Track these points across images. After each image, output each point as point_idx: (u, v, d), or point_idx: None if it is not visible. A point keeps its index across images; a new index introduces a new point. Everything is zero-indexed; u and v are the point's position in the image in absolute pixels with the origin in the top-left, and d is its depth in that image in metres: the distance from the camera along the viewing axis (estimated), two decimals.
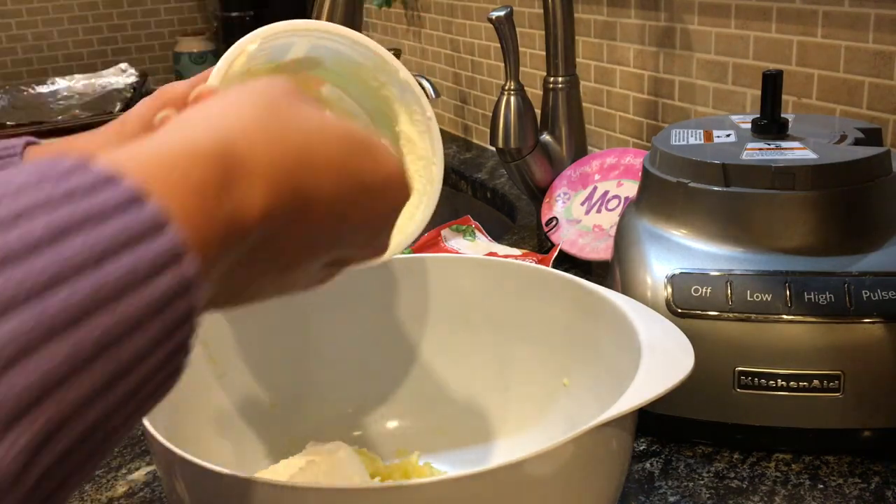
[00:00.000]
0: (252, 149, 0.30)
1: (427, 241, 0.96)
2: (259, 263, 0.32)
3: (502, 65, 0.97)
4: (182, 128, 0.30)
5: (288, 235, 0.32)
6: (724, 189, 0.61)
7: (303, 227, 0.32)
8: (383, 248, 0.39)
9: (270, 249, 0.32)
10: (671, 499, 0.56)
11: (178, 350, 0.26)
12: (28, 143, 0.55)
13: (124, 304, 0.24)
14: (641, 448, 0.62)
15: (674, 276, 0.60)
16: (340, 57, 0.51)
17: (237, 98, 0.33)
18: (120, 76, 1.95)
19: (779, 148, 0.63)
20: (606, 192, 0.94)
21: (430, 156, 0.54)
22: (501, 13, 0.93)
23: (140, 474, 0.63)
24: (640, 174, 0.69)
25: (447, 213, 1.36)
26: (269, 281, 0.34)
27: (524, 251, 0.91)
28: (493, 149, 1.00)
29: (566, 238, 0.93)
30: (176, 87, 0.52)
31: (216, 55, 2.18)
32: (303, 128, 0.33)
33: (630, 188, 0.92)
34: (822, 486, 0.57)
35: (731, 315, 0.58)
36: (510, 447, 0.60)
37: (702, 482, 0.58)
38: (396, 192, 0.37)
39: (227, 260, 0.29)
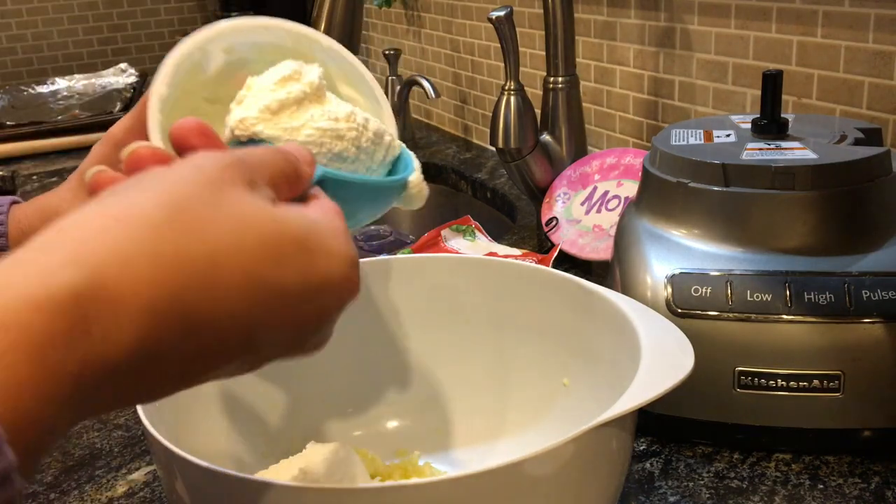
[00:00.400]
0: (130, 278, 0.28)
1: (427, 241, 0.96)
2: (143, 380, 0.29)
3: (502, 65, 0.97)
4: (46, 254, 0.27)
5: (175, 354, 0.29)
6: (724, 189, 0.61)
7: (194, 344, 0.29)
8: (320, 344, 0.36)
9: (154, 369, 0.29)
10: (671, 499, 0.56)
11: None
12: (13, 202, 0.56)
13: None
14: (641, 448, 0.62)
15: (674, 276, 0.60)
16: (260, 46, 0.51)
17: (139, 203, 0.30)
18: (120, 76, 1.95)
19: (779, 148, 0.63)
20: (606, 192, 0.94)
21: (379, 109, 0.53)
22: (501, 13, 0.93)
23: (140, 474, 0.63)
24: (640, 174, 0.69)
25: (447, 213, 1.36)
26: (167, 388, 0.31)
27: (524, 251, 0.91)
28: (493, 149, 1.00)
29: (566, 238, 0.93)
30: (121, 126, 0.51)
31: None
32: (210, 238, 0.30)
33: (630, 188, 0.92)
34: (822, 486, 0.57)
35: (731, 315, 0.58)
36: (510, 447, 0.60)
37: (702, 482, 0.58)
38: (335, 294, 0.33)
39: (90, 395, 0.27)
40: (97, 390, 0.27)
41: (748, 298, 0.58)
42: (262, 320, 0.31)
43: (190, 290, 0.29)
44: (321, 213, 0.35)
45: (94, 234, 0.28)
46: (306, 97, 0.45)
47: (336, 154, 0.45)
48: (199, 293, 0.29)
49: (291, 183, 0.36)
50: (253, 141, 0.44)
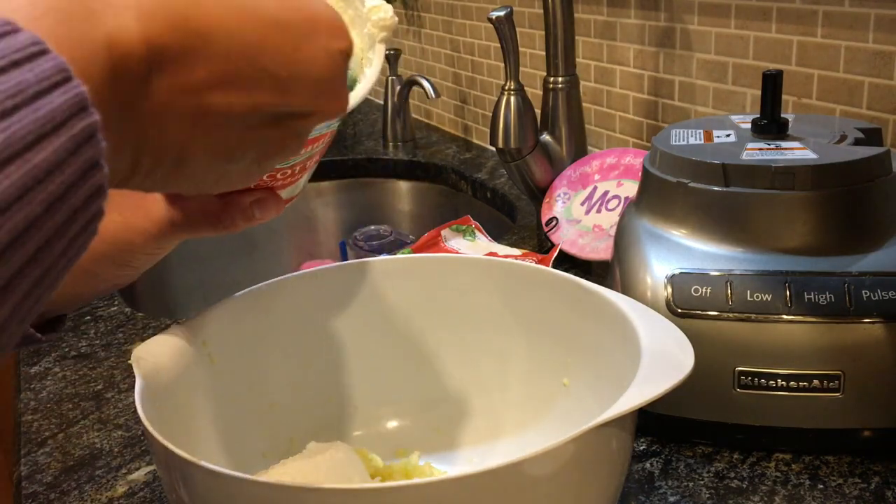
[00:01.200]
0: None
1: (427, 241, 0.96)
2: (176, 108, 0.31)
3: (502, 65, 0.97)
4: None
5: (192, 71, 0.31)
6: (724, 189, 0.61)
7: (207, 62, 0.32)
8: (337, 96, 0.36)
9: (180, 95, 0.31)
10: (671, 499, 0.56)
11: (90, 166, 0.26)
12: None
13: (16, 120, 0.24)
14: (641, 448, 0.62)
15: (674, 276, 0.60)
16: None
17: None
18: None
19: (779, 148, 0.63)
20: (606, 192, 0.94)
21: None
22: (501, 13, 0.93)
23: (140, 474, 0.63)
24: (640, 174, 0.69)
25: (447, 213, 1.36)
26: (206, 147, 0.33)
27: (524, 251, 0.91)
28: (493, 149, 1.00)
29: (566, 238, 0.93)
30: None
31: None
32: None
33: (630, 188, 0.92)
34: (822, 486, 0.57)
35: (731, 315, 0.58)
36: (510, 447, 0.60)
37: (702, 482, 0.58)
38: (327, 33, 0.35)
39: (127, 94, 0.29)
40: (122, 81, 0.29)
41: (748, 298, 0.58)
42: (260, 46, 0.33)
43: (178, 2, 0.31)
44: None
45: None
46: None
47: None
48: (185, 3, 0.31)
49: None
50: None
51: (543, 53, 0.99)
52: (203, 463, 0.40)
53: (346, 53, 0.36)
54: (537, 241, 1.03)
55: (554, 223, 0.96)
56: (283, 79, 0.34)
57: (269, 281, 0.59)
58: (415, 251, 0.94)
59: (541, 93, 1.00)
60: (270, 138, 0.35)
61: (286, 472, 0.50)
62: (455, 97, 1.55)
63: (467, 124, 1.53)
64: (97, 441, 0.68)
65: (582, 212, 0.94)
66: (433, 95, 1.34)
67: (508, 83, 0.96)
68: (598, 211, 0.93)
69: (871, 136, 0.65)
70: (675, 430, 0.62)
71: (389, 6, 0.48)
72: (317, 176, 1.40)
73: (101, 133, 0.26)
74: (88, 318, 0.90)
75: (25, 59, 0.24)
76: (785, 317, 0.57)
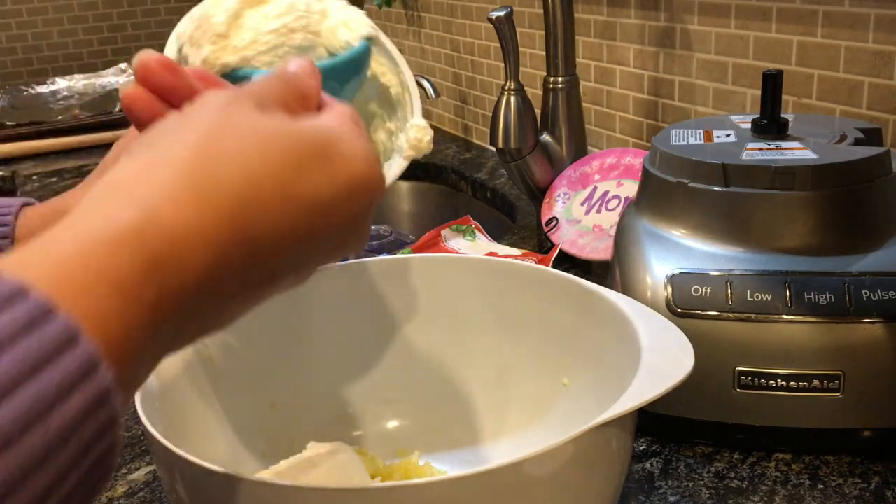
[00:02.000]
0: (180, 212, 0.29)
1: (427, 241, 0.96)
2: (215, 306, 0.31)
3: (502, 65, 0.97)
4: (101, 205, 0.29)
5: (241, 279, 0.31)
6: (724, 189, 0.61)
7: (257, 267, 0.31)
8: (361, 242, 0.37)
9: (222, 293, 0.31)
10: (671, 499, 0.56)
11: (102, 458, 0.25)
12: (24, 205, 0.56)
13: (39, 430, 0.23)
14: (641, 448, 0.62)
15: (674, 276, 0.60)
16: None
17: (168, 149, 0.31)
18: (120, 76, 1.95)
19: (779, 148, 0.63)
20: (606, 192, 0.94)
21: (393, 65, 0.53)
22: (501, 13, 0.93)
23: (140, 474, 0.63)
24: (640, 174, 0.69)
25: (447, 213, 1.36)
26: (235, 312, 0.33)
27: (524, 251, 0.91)
28: (493, 149, 1.00)
29: (566, 238, 0.93)
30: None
31: None
32: (240, 160, 0.31)
33: (630, 188, 0.92)
34: (822, 486, 0.57)
35: (731, 315, 0.58)
36: (510, 447, 0.60)
37: (702, 482, 0.58)
38: (363, 192, 0.34)
39: (168, 327, 0.28)
40: (175, 320, 0.29)
41: (748, 298, 0.58)
42: (304, 233, 0.32)
43: (235, 211, 0.30)
44: (333, 118, 0.36)
45: (137, 180, 0.30)
46: (242, 6, 0.45)
47: (297, 47, 0.45)
48: (244, 213, 0.30)
49: (300, 101, 0.37)
50: (228, 76, 0.44)
51: (543, 53, 0.99)
52: (203, 463, 0.40)
53: (377, 199, 0.36)
54: (537, 241, 1.03)
55: (554, 223, 0.96)
56: (326, 248, 0.35)
57: None
58: (415, 251, 0.94)
59: (541, 93, 1.00)
60: (295, 281, 0.36)
61: (286, 472, 0.50)
62: (455, 97, 1.55)
63: (467, 124, 1.53)
64: None
65: (582, 212, 0.94)
66: (433, 95, 1.34)
67: (508, 83, 0.96)
68: (598, 211, 0.93)
69: (871, 136, 0.65)
70: (675, 430, 0.62)
71: (431, 132, 0.50)
72: None
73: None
74: None
75: (49, 357, 0.24)
76: (785, 317, 0.57)
